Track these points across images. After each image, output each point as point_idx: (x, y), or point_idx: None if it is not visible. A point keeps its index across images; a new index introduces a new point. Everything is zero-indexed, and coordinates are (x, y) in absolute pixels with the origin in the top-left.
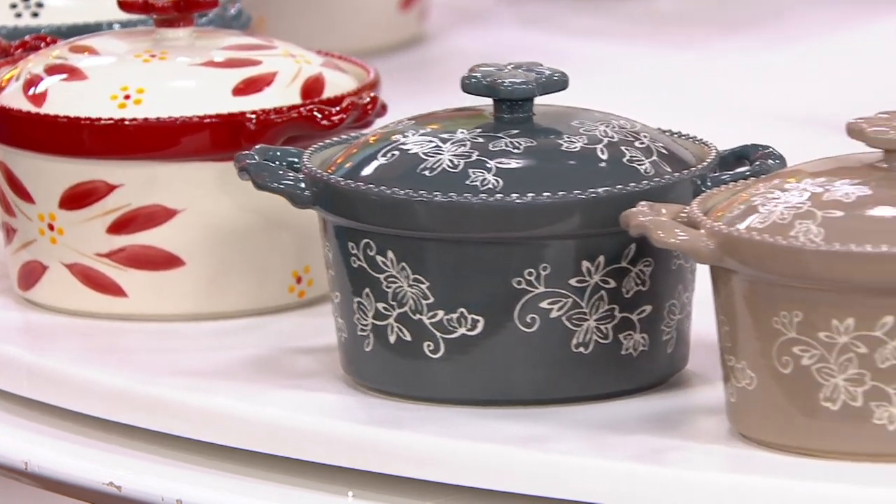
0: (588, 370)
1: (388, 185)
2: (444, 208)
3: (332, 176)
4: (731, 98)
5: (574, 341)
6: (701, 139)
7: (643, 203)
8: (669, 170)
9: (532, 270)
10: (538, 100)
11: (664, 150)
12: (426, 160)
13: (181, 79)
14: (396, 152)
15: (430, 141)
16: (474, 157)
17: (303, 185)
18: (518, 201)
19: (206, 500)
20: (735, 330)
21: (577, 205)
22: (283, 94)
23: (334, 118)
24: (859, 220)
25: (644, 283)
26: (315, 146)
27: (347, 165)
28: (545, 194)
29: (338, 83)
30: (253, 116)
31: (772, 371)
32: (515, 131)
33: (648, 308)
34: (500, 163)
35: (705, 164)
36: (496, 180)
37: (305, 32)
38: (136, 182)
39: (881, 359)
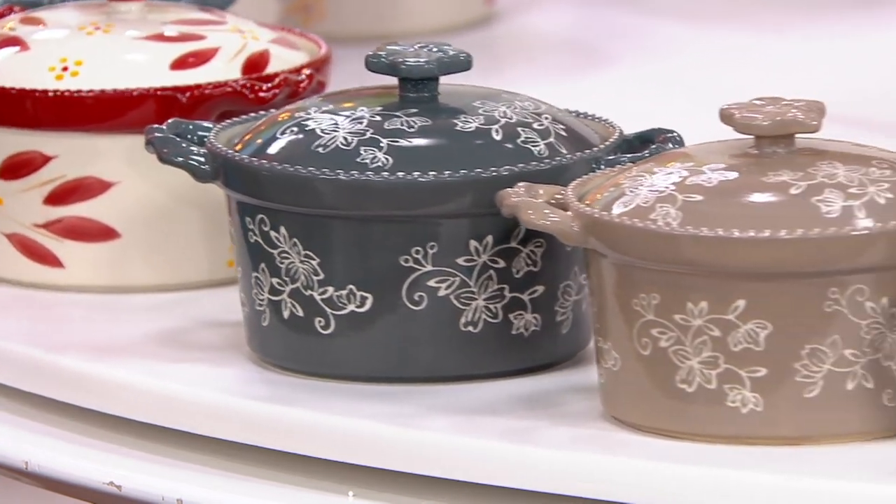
0: (478, 349)
1: (281, 161)
2: (331, 185)
3: (228, 151)
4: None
5: (462, 320)
6: (607, 120)
7: (521, 184)
8: (565, 151)
9: (419, 249)
10: (460, 80)
11: (564, 132)
12: (321, 137)
13: (120, 52)
14: (296, 128)
15: (331, 118)
16: (368, 135)
17: (203, 159)
18: (404, 180)
19: (207, 499)
20: (603, 312)
21: (464, 184)
22: (222, 70)
23: (262, 94)
24: (717, 205)
25: (535, 263)
26: (227, 122)
27: (251, 141)
28: (431, 173)
29: (285, 59)
30: (186, 91)
31: (634, 353)
32: (414, 110)
33: (540, 289)
34: (392, 141)
35: (600, 147)
36: (386, 158)
37: (372, 13)
38: (71, 154)
39: (734, 342)
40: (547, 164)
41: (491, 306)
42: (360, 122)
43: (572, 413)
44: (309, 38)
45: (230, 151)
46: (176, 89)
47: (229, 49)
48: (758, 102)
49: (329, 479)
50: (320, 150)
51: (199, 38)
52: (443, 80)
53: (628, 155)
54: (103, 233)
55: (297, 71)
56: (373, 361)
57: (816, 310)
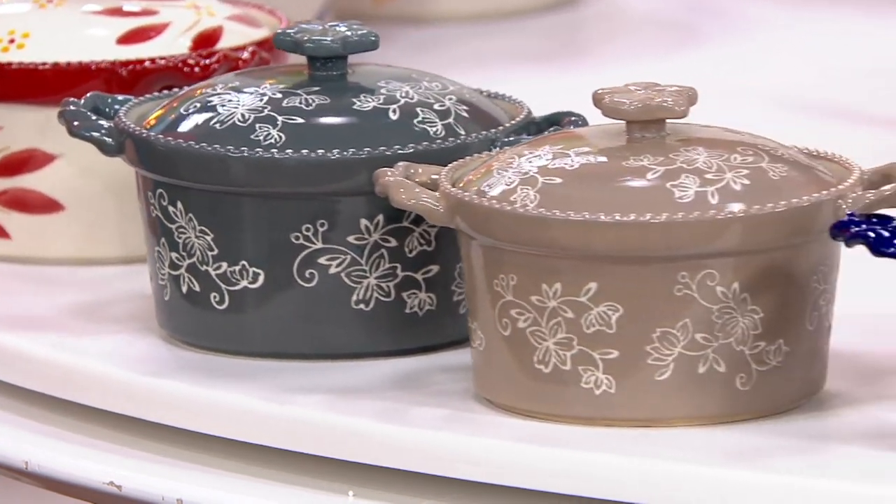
0: (370, 327)
1: (178, 137)
2: (219, 160)
3: (130, 125)
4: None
5: (354, 298)
6: (519, 102)
7: (400, 163)
8: (463, 132)
9: (309, 226)
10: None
11: (467, 114)
12: (220, 114)
13: (69, 26)
14: (199, 105)
15: (236, 96)
16: (265, 112)
17: (110, 134)
18: (291, 157)
19: (207, 499)
20: (471, 292)
21: (353, 163)
22: (168, 45)
23: (197, 70)
24: (574, 188)
25: (429, 243)
26: (146, 97)
27: (162, 116)
28: (320, 151)
29: (240, 35)
30: (126, 65)
31: (496, 333)
32: (316, 89)
33: (435, 268)
34: (288, 119)
35: (499, 128)
36: (279, 136)
37: None
38: (15, 125)
39: (587, 324)
40: (439, 145)
41: (383, 285)
42: (262, 100)
43: (447, 393)
44: (277, 15)
45: (131, 126)
46: (116, 64)
47: (180, 24)
48: (632, 87)
49: (330, 478)
50: (217, 126)
51: (152, 13)
52: (385, 59)
53: (531, 137)
54: (47, 205)
55: (241, 48)
56: (266, 337)
57: (666, 293)
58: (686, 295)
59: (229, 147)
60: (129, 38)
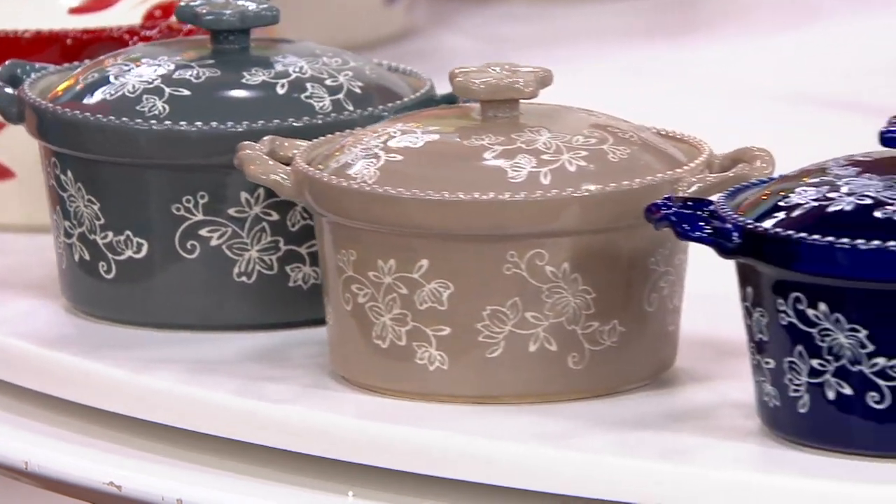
0: (252, 299)
1: (68, 106)
2: (102, 130)
3: (28, 94)
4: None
5: (236, 270)
6: (422, 76)
7: (267, 137)
8: (352, 108)
9: (190, 198)
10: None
11: (360, 90)
12: (113, 85)
13: None
14: (97, 76)
15: (132, 68)
16: (155, 84)
17: (14, 103)
18: (169, 128)
19: (207, 499)
20: (322, 267)
21: (230, 136)
22: (120, 16)
23: (136, 40)
24: (413, 166)
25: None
26: (64, 66)
27: (67, 86)
28: (198, 123)
29: None
30: (70, 35)
31: (341, 308)
32: (210, 62)
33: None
34: (175, 91)
35: (387, 105)
36: (164, 107)
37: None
38: None
39: (419, 301)
40: (321, 120)
41: (265, 258)
42: (155, 72)
43: (307, 367)
44: None
45: (28, 95)
46: (63, 33)
47: None
48: (490, 67)
49: (330, 479)
50: (108, 97)
51: None
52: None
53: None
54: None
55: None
56: (150, 308)
57: (495, 272)
58: (515, 274)
59: (110, 117)
60: (82, 9)
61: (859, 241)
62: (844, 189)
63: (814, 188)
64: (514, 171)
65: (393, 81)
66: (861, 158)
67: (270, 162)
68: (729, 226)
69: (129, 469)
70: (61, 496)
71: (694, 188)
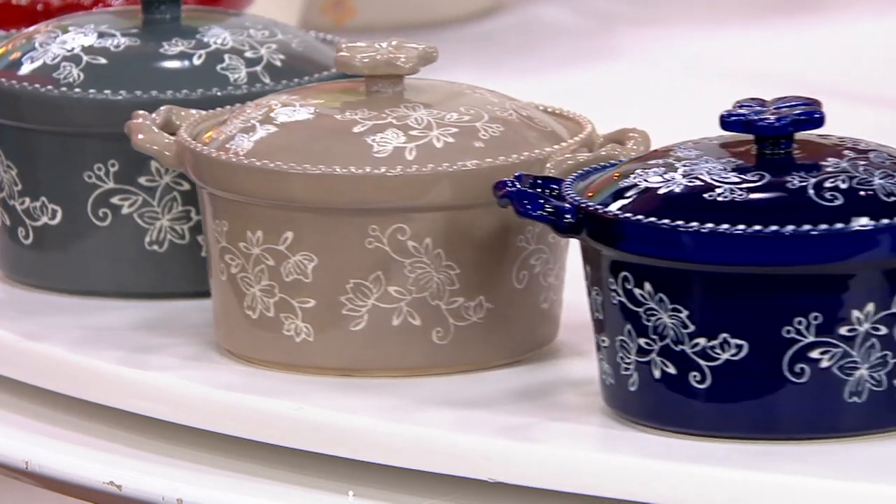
0: (164, 268)
1: None
2: (16, 97)
3: None
4: None
5: (147, 239)
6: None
7: (164, 107)
8: (268, 81)
9: (101, 166)
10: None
11: (282, 63)
12: (37, 52)
13: None
14: (25, 42)
15: (59, 36)
16: (74, 52)
17: None
18: (81, 96)
19: (207, 499)
20: (204, 238)
21: (136, 105)
22: None
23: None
24: (282, 138)
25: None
26: (6, 34)
27: (5, 54)
28: (106, 91)
29: None
30: (38, 3)
31: (217, 279)
32: (135, 31)
33: None
34: (93, 59)
35: (305, 79)
36: (79, 75)
37: (400, 3)
38: None
39: (286, 272)
40: (231, 92)
41: (177, 227)
42: (79, 40)
43: (193, 336)
44: None
45: None
46: (31, 2)
47: None
48: (379, 44)
49: (330, 478)
50: (28, 62)
51: None
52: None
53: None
54: None
55: None
56: (65, 274)
57: (358, 246)
58: (377, 248)
59: (24, 84)
60: None
61: (679, 222)
62: (680, 171)
63: (653, 170)
64: (380, 146)
65: (322, 54)
66: (706, 141)
67: (156, 131)
68: (566, 205)
69: (130, 469)
70: (61, 496)
71: (561, 168)
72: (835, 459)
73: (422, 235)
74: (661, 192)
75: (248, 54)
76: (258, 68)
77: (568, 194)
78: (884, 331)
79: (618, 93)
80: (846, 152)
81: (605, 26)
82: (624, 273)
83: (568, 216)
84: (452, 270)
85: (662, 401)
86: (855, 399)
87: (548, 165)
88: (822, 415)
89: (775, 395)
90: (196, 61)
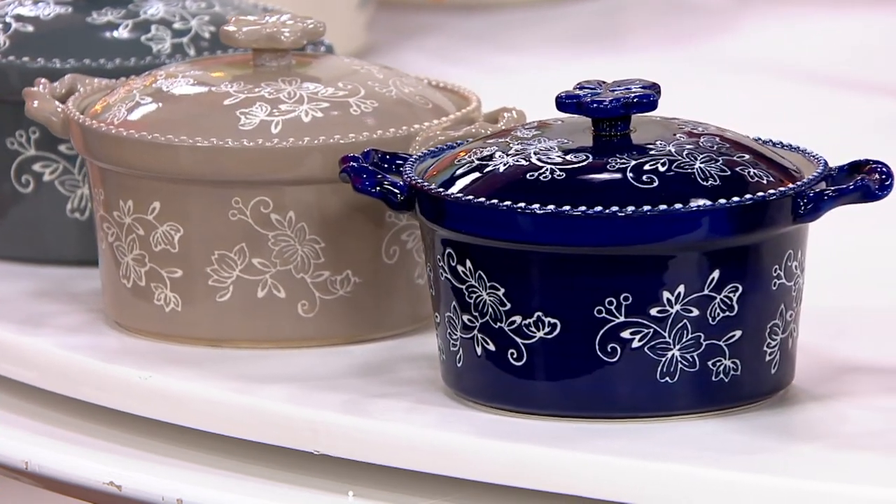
0: (86, 235)
1: None
2: None
3: None
4: None
5: (69, 206)
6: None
7: (70, 76)
8: (193, 53)
9: (22, 133)
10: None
11: (210, 35)
12: None
13: None
14: None
15: (5, 4)
16: (7, 18)
17: None
18: (2, 63)
19: (207, 499)
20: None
21: (52, 74)
22: None
23: None
24: (158, 109)
25: None
26: None
27: None
28: (24, 58)
29: None
30: None
31: (99, 248)
32: (70, 2)
33: None
34: (21, 26)
35: (229, 51)
36: (4, 41)
37: None
38: None
39: (154, 242)
40: (150, 62)
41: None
42: (21, 8)
43: (86, 305)
44: None
45: None
46: None
47: None
48: (267, 18)
49: (330, 478)
50: None
51: None
52: None
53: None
54: None
55: None
56: None
57: (222, 217)
58: (241, 220)
59: None
60: None
61: (493, 200)
62: (512, 151)
63: (488, 149)
64: (248, 119)
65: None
66: (550, 121)
67: (48, 99)
68: (399, 183)
69: (130, 469)
70: (61, 496)
71: (431, 143)
72: (650, 439)
73: (285, 209)
74: (486, 170)
75: (177, 25)
76: (184, 39)
77: (405, 172)
78: (696, 312)
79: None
80: (679, 136)
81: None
82: (449, 250)
83: (399, 193)
84: (317, 244)
85: (485, 377)
86: (667, 380)
87: (417, 139)
88: (635, 395)
89: (589, 375)
90: (121, 31)
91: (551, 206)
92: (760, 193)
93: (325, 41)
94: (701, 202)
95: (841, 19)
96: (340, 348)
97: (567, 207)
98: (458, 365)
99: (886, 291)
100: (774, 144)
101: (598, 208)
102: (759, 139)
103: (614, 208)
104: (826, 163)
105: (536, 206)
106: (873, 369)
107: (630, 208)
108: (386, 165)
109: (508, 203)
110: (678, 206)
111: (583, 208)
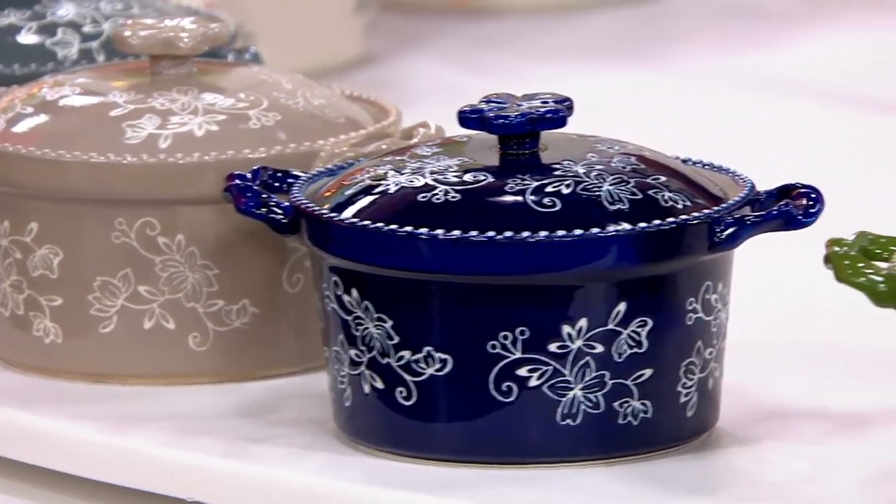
0: None
1: None
2: None
3: None
4: None
5: None
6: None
7: None
8: (101, 59)
9: None
10: None
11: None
12: None
13: None
14: None
15: None
16: None
17: None
18: None
19: None
20: None
21: None
22: None
23: None
24: (40, 122)
25: None
26: None
27: None
28: None
29: None
30: None
31: None
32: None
33: None
34: None
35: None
36: None
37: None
38: None
39: (32, 267)
40: (53, 68)
41: None
42: None
43: None
44: None
45: None
46: None
47: None
48: (165, 21)
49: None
50: None
51: None
52: None
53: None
54: None
55: None
56: None
57: (104, 240)
58: (125, 243)
59: None
60: None
61: (378, 223)
62: (408, 170)
63: (383, 168)
64: (134, 132)
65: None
66: (458, 138)
67: None
68: (284, 204)
69: None
70: None
71: (337, 158)
72: (549, 487)
73: (174, 231)
74: (376, 191)
75: (87, 28)
76: (94, 44)
77: (292, 192)
78: (600, 349)
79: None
80: (591, 156)
81: None
82: (335, 278)
83: (282, 215)
84: (209, 270)
85: (374, 418)
86: (569, 422)
87: (322, 156)
88: (533, 438)
89: (483, 416)
90: (24, 34)
91: (440, 231)
92: (671, 219)
93: (252, 48)
94: (605, 228)
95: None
96: (234, 385)
97: (457, 232)
98: (346, 404)
99: (822, 328)
100: (703, 165)
101: (491, 233)
102: (688, 160)
103: (507, 233)
104: (752, 186)
105: (424, 230)
106: (804, 412)
107: (524, 233)
108: (277, 184)
109: (394, 227)
110: (578, 231)
111: (473, 233)
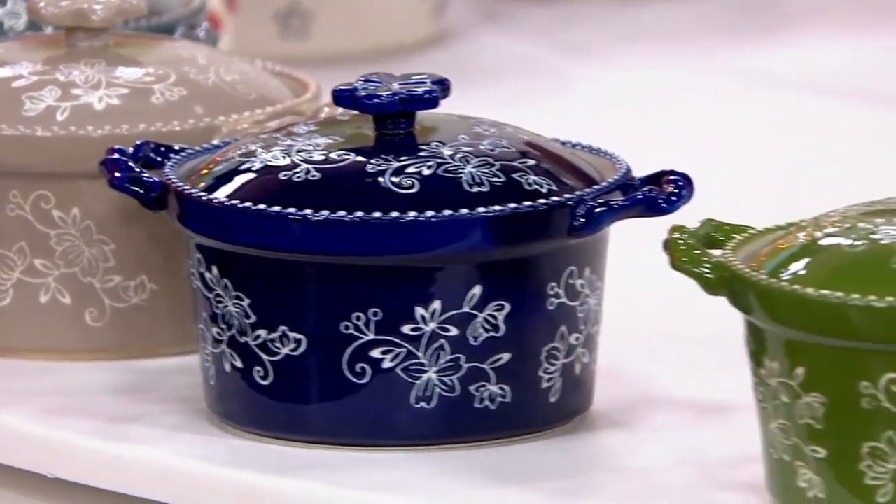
0: None
1: None
2: None
3: None
4: None
5: None
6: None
7: None
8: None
9: None
10: None
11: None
12: None
13: None
14: None
15: None
16: None
17: None
18: None
19: None
20: None
21: None
22: None
23: None
24: None
25: None
26: None
27: None
28: None
29: None
30: None
31: None
32: None
33: None
34: None
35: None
36: None
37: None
38: None
39: None
40: None
41: None
42: None
43: None
44: None
45: None
46: None
47: None
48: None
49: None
50: None
51: None
52: None
53: None
54: None
55: None
56: None
57: (1, 213)
58: (20, 216)
59: None
60: None
61: (235, 200)
62: (277, 148)
63: (253, 146)
64: (33, 104)
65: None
66: (338, 117)
67: None
68: (154, 180)
69: None
70: None
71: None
72: (394, 469)
73: (69, 205)
74: (241, 168)
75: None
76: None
77: (164, 169)
78: (454, 332)
79: None
80: (462, 137)
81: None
82: (198, 255)
83: (151, 191)
84: (106, 245)
85: (235, 398)
86: (423, 405)
87: (223, 131)
88: (387, 420)
89: (339, 397)
90: None
91: (292, 209)
92: (528, 203)
93: (205, 25)
94: (458, 210)
95: None
96: (126, 363)
97: (308, 211)
98: (212, 383)
99: (703, 316)
100: (582, 148)
101: (342, 213)
102: (568, 143)
103: (358, 213)
104: (627, 170)
105: (277, 207)
106: (676, 400)
107: (376, 214)
108: (160, 159)
109: (248, 204)
110: (430, 213)
111: (325, 213)
